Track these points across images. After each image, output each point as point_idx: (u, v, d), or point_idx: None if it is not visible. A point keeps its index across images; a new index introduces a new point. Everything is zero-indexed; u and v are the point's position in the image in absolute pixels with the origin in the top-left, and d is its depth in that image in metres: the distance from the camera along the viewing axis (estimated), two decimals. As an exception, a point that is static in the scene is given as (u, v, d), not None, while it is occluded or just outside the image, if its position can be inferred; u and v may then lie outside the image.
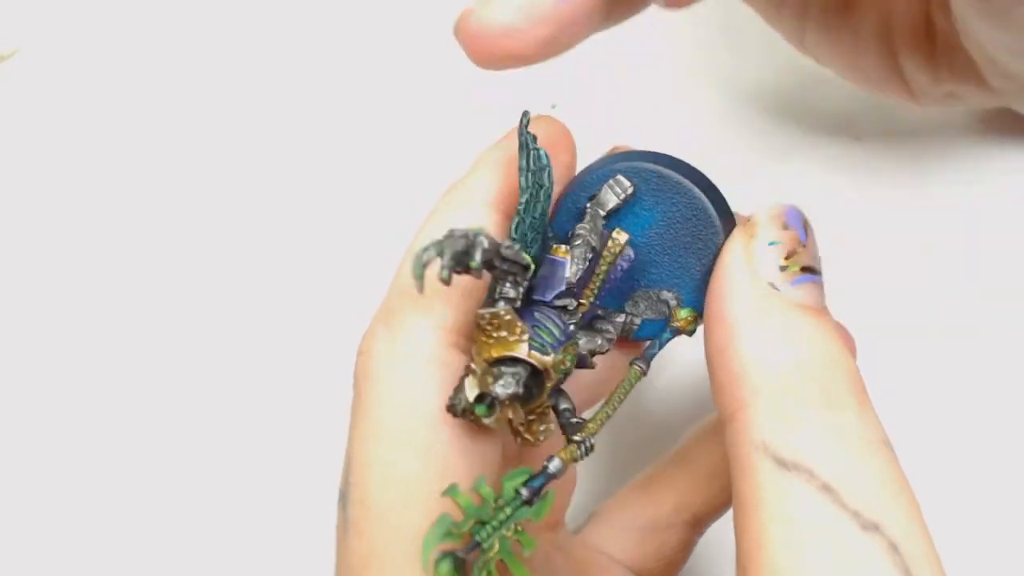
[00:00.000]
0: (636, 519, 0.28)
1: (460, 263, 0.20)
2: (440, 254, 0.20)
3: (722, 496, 0.28)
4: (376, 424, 0.22)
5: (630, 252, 0.24)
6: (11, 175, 0.48)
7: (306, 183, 0.46)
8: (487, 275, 0.21)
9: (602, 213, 0.24)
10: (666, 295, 0.24)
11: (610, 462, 0.37)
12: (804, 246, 0.19)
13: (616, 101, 0.47)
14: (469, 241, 0.20)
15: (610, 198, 0.24)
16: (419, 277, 0.19)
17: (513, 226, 0.22)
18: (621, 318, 0.24)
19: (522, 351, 0.20)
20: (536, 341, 0.21)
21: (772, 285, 0.19)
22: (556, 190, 0.24)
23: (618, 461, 0.37)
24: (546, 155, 0.23)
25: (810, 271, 0.19)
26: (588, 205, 0.24)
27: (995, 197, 0.39)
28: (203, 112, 0.49)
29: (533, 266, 0.22)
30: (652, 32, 0.49)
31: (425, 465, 0.21)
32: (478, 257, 0.20)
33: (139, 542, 0.39)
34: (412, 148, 0.46)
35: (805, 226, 0.20)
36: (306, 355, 0.41)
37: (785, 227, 0.20)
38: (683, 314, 0.24)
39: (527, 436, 0.21)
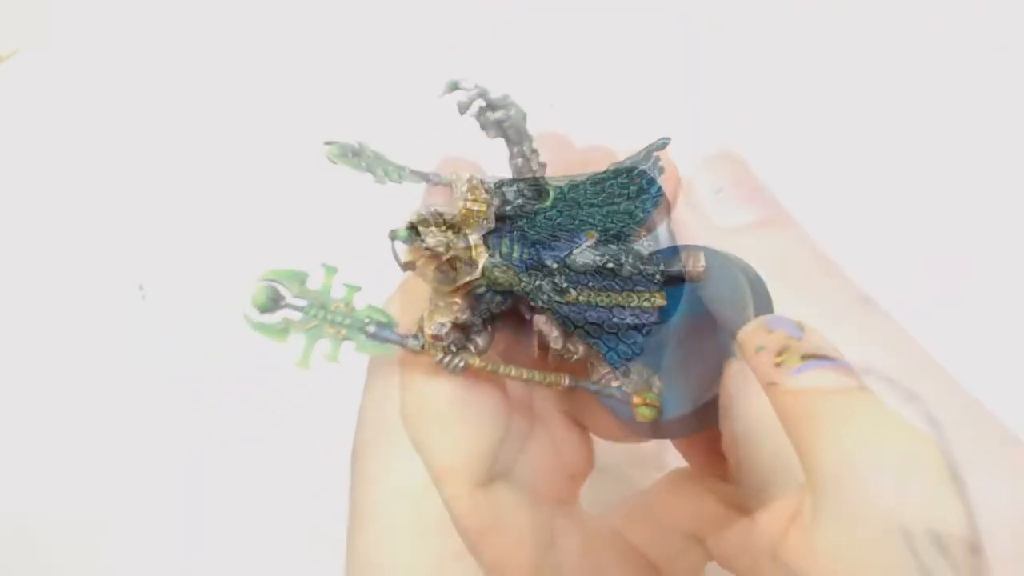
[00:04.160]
0: (654, 514, 0.28)
1: (489, 106, 0.21)
2: (482, 92, 0.21)
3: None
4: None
5: (654, 317, 0.23)
6: (10, 174, 0.48)
7: (300, 186, 0.46)
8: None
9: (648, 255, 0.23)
10: (655, 381, 0.23)
11: (643, 450, 0.36)
12: (799, 339, 0.19)
13: (610, 100, 0.47)
14: (510, 103, 0.21)
15: (676, 262, 0.23)
16: (451, 89, 0.21)
17: (582, 178, 0.23)
18: (606, 370, 0.23)
19: (472, 237, 0.21)
20: (492, 240, 0.21)
21: (772, 384, 0.19)
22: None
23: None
24: (656, 188, 0.23)
25: (816, 357, 0.19)
26: (655, 254, 0.23)
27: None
28: (201, 111, 0.49)
29: (548, 201, 0.22)
30: (646, 34, 0.49)
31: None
32: (511, 113, 0.22)
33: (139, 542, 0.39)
34: (412, 150, 0.46)
35: (799, 325, 0.20)
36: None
37: (769, 331, 0.20)
38: (649, 398, 0.23)
39: (424, 316, 0.21)
